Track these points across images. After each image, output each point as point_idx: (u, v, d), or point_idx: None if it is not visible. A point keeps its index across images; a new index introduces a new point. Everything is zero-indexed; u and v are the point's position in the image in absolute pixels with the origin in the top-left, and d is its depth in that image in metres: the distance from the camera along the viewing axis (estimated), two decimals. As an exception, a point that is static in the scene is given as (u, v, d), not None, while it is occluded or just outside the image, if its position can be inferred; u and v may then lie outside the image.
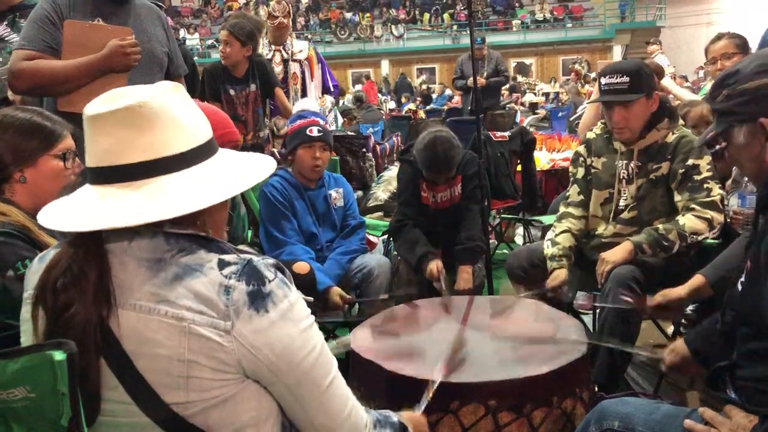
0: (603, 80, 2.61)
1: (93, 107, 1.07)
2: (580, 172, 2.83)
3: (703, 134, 1.60)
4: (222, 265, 1.06)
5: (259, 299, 1.05)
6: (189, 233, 1.08)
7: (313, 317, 1.15)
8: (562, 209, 2.86)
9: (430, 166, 3.04)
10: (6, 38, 2.89)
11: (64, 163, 1.73)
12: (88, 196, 1.08)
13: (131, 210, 1.03)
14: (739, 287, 1.44)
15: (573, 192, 2.85)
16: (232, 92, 3.89)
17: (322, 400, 1.13)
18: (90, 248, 1.05)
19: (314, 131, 2.91)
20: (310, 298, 1.18)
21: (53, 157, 1.72)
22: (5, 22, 2.92)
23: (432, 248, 2.95)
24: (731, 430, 1.34)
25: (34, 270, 1.12)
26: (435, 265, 2.84)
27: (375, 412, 1.26)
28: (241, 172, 1.15)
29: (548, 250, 2.69)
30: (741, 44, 3.34)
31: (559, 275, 2.59)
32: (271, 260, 1.11)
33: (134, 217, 1.02)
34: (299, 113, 3.09)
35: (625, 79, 2.53)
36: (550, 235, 2.80)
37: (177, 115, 1.08)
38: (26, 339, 1.11)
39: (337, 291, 2.72)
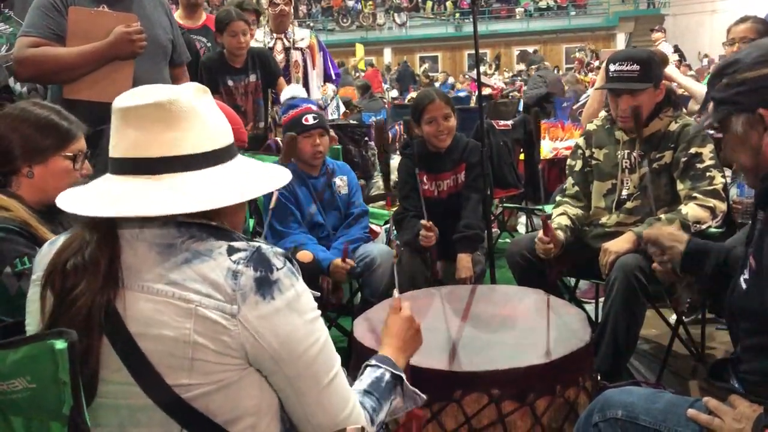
0: (612, 67, 2.59)
1: (123, 100, 1.09)
2: (578, 164, 2.83)
3: (701, 121, 1.59)
4: (231, 251, 1.07)
5: (265, 286, 1.06)
6: (200, 222, 1.10)
7: (319, 311, 1.15)
8: (558, 199, 2.88)
9: (426, 96, 3.06)
10: None
11: (74, 164, 1.72)
12: (109, 185, 1.10)
13: (149, 201, 1.05)
14: (743, 284, 1.44)
15: (569, 184, 2.86)
16: (230, 83, 3.87)
17: (321, 396, 1.13)
18: (103, 233, 1.07)
19: (309, 119, 2.90)
20: (317, 293, 1.18)
21: (64, 157, 1.71)
22: None
23: None
24: (735, 419, 1.34)
25: (44, 253, 1.14)
26: (424, 230, 2.86)
27: (368, 398, 1.24)
28: (258, 177, 1.17)
29: None
30: (763, 30, 3.29)
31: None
32: (280, 250, 1.12)
33: (152, 207, 1.04)
34: (289, 102, 3.07)
35: (636, 67, 2.52)
36: None
37: (203, 116, 1.11)
38: (31, 321, 1.12)
39: (339, 261, 2.76)
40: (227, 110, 2.44)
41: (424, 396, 1.38)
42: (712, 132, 2.66)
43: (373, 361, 1.35)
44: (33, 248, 1.57)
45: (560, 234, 2.61)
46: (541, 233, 2.56)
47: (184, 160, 1.08)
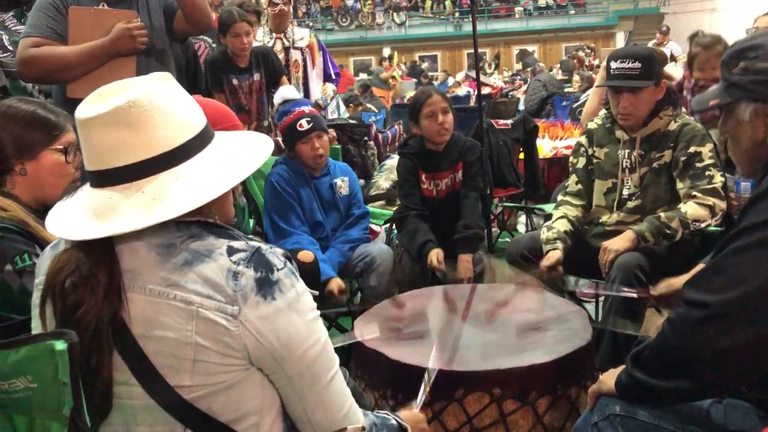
0: (613, 64, 2.57)
1: (83, 110, 1.06)
2: (581, 162, 2.83)
3: (704, 98, 1.56)
4: (231, 251, 1.06)
5: (266, 286, 1.06)
6: (197, 220, 1.09)
7: (318, 311, 1.15)
8: (560, 198, 2.87)
9: (424, 93, 3.09)
10: (14, 29, 2.89)
11: (66, 157, 1.71)
12: (92, 200, 1.08)
13: (137, 213, 1.03)
14: None
15: (572, 182, 2.85)
16: (235, 82, 3.87)
17: (321, 395, 1.13)
18: (98, 249, 1.05)
19: (303, 124, 2.87)
20: (316, 292, 1.17)
21: (55, 150, 1.70)
22: (11, 13, 2.92)
23: (433, 237, 2.95)
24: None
25: (47, 257, 1.13)
26: (435, 255, 2.84)
27: (372, 415, 1.25)
28: (240, 157, 1.14)
29: (544, 234, 2.70)
30: None
31: (552, 256, 2.59)
32: (280, 250, 1.11)
33: (140, 220, 1.02)
34: (282, 108, 3.03)
35: (637, 64, 2.51)
36: (548, 222, 2.81)
37: (169, 108, 1.07)
38: (37, 324, 1.11)
39: (336, 282, 2.73)
40: (222, 108, 2.41)
41: None
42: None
43: (383, 411, 1.34)
44: (32, 246, 1.57)
45: (560, 247, 2.62)
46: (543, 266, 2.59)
47: (162, 160, 1.06)
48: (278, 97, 3.17)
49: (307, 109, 2.99)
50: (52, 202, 1.13)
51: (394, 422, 1.30)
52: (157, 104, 1.06)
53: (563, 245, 2.63)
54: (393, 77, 12.73)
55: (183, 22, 2.66)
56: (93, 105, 1.06)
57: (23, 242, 1.57)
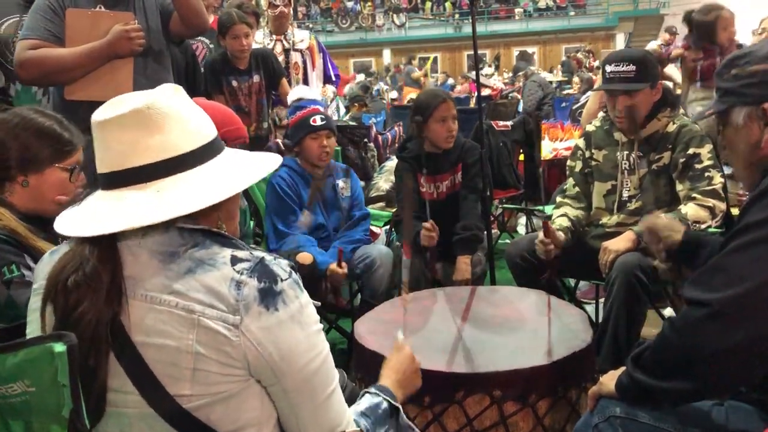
0: (608, 68, 2.59)
1: (101, 113, 1.08)
2: (578, 165, 2.84)
3: (701, 111, 1.58)
4: (235, 261, 1.06)
5: (269, 297, 1.05)
6: (202, 228, 1.09)
7: (321, 325, 1.14)
8: (558, 200, 2.88)
9: (438, 96, 3.10)
10: None
11: (70, 176, 1.70)
12: (102, 201, 1.09)
13: (145, 210, 1.04)
14: None
15: (569, 185, 2.86)
16: (234, 83, 3.88)
17: (317, 412, 1.12)
18: (103, 247, 1.05)
19: (317, 120, 2.91)
20: (318, 303, 1.17)
21: (62, 169, 1.68)
22: None
23: None
24: None
25: (46, 262, 1.13)
26: (425, 230, 2.86)
27: (364, 420, 1.24)
28: (248, 166, 1.16)
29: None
30: None
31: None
32: (285, 261, 1.11)
33: (147, 216, 1.03)
34: (297, 103, 3.08)
35: (632, 67, 2.52)
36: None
37: (183, 115, 1.10)
38: (33, 329, 1.11)
39: (335, 264, 2.76)
40: (226, 111, 2.44)
41: (417, 431, 1.38)
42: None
43: (372, 389, 1.34)
44: (22, 256, 1.55)
45: (561, 234, 2.62)
46: (541, 235, 2.56)
47: (173, 163, 1.07)
48: (294, 94, 3.21)
49: (322, 108, 3.07)
50: (47, 217, 1.13)
51: (385, 406, 1.29)
52: (174, 109, 1.09)
53: (564, 235, 2.63)
54: (425, 75, 13.12)
55: (178, 24, 2.67)
56: (110, 108, 1.08)
57: (12, 252, 1.55)
